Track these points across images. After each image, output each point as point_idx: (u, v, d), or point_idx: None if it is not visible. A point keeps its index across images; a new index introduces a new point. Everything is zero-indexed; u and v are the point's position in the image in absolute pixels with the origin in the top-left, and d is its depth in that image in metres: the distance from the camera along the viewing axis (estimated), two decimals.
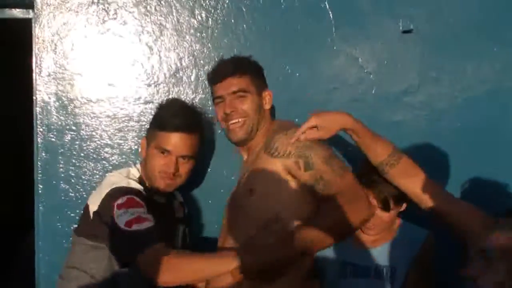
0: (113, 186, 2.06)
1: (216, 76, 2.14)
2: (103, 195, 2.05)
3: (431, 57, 2.69)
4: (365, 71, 2.67)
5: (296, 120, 2.48)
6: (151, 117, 2.48)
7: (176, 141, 2.10)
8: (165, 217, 2.21)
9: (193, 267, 1.92)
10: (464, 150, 2.69)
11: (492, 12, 2.69)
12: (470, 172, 2.68)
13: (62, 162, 2.58)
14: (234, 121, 2.08)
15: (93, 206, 2.08)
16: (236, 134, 2.10)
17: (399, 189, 2.14)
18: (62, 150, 2.58)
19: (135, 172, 2.20)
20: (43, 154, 2.57)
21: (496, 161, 2.68)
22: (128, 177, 2.15)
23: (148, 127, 2.29)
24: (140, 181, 2.17)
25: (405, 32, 2.67)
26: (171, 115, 2.12)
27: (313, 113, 2.05)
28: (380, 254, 2.28)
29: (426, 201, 2.06)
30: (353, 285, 2.27)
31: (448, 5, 2.69)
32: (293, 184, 2.01)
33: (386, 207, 2.20)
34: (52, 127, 2.57)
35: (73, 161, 2.58)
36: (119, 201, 1.99)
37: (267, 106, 2.17)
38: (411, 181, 2.08)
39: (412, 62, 2.69)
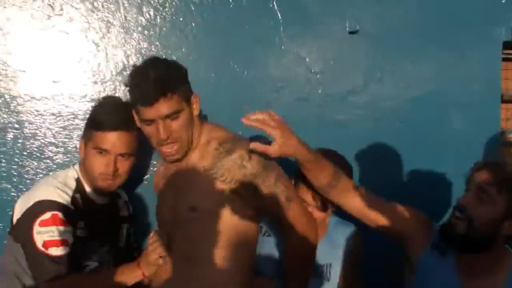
0: (40, 199, 2.02)
1: (144, 98, 1.88)
2: (29, 203, 2.03)
3: (376, 57, 2.76)
4: (312, 70, 2.71)
5: None
6: None
7: (113, 139, 2.07)
8: (106, 218, 2.21)
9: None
10: (407, 149, 2.78)
11: (433, 15, 2.78)
12: (412, 170, 2.80)
13: (4, 161, 2.51)
14: (169, 145, 1.93)
15: (18, 212, 2.07)
16: (173, 157, 1.96)
17: None
18: (4, 148, 2.51)
19: (73, 173, 2.17)
20: None
21: (438, 159, 2.79)
22: (65, 182, 2.12)
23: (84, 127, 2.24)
24: (78, 183, 2.15)
25: (351, 32, 2.72)
26: (106, 114, 2.09)
27: (280, 124, 1.90)
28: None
29: (366, 214, 2.12)
30: None
31: (393, 7, 2.76)
32: (238, 202, 1.95)
33: (324, 208, 2.25)
34: None
35: (16, 160, 2.52)
36: (43, 217, 1.99)
37: (196, 112, 2.01)
38: (351, 196, 2.11)
39: (357, 62, 2.75)
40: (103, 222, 2.18)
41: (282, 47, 2.68)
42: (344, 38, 2.73)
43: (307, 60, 2.71)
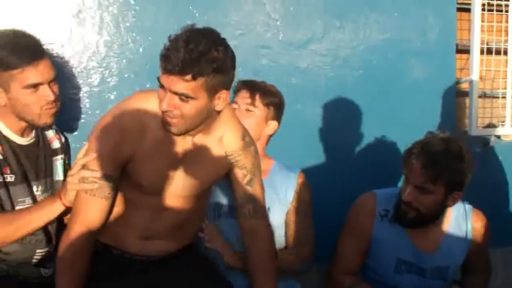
0: None
1: (166, 64, 1.70)
2: None
3: (335, 5, 2.77)
4: (272, 17, 2.70)
5: None
6: (53, 58, 2.40)
7: (42, 68, 1.98)
8: (35, 156, 2.14)
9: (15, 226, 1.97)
10: (366, 96, 2.83)
11: None
12: (372, 117, 2.85)
13: None
14: (169, 117, 1.79)
15: None
16: (170, 129, 1.82)
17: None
18: None
19: None
20: None
21: (397, 106, 2.85)
22: None
23: None
24: None
25: None
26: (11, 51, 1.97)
27: None
28: None
29: None
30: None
31: None
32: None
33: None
34: None
35: None
36: None
37: (218, 107, 1.83)
38: None
39: (317, 10, 2.75)
40: (32, 162, 2.10)
41: None
42: None
43: (267, 6, 2.69)
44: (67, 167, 2.25)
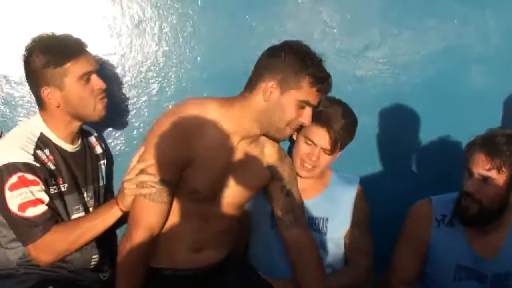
0: (3, 163, 1.92)
1: (327, 87, 2.01)
2: None
3: (393, 12, 2.73)
4: (329, 25, 2.68)
5: None
6: (113, 68, 2.45)
7: (89, 58, 2.07)
8: (84, 162, 2.18)
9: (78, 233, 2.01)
10: (424, 104, 2.78)
11: None
12: (431, 126, 2.80)
13: None
14: (293, 128, 1.99)
15: None
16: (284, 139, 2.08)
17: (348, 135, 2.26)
18: None
19: (34, 128, 2.06)
20: None
21: (457, 114, 2.79)
22: (28, 139, 2.00)
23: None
24: (42, 139, 2.03)
25: None
26: (59, 47, 2.04)
27: None
28: (315, 206, 2.31)
29: None
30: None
31: None
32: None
33: (333, 149, 2.22)
34: None
35: None
36: (11, 180, 1.91)
37: None
38: None
39: (374, 17, 2.72)
40: (81, 168, 2.15)
41: (299, 1, 2.64)
42: None
43: (323, 14, 2.67)
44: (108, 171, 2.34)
